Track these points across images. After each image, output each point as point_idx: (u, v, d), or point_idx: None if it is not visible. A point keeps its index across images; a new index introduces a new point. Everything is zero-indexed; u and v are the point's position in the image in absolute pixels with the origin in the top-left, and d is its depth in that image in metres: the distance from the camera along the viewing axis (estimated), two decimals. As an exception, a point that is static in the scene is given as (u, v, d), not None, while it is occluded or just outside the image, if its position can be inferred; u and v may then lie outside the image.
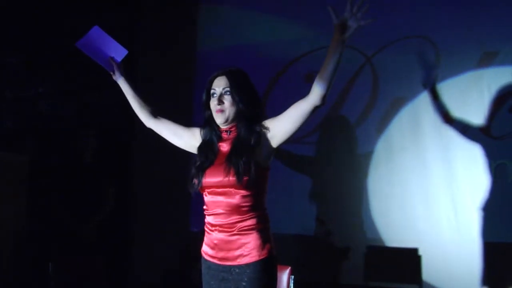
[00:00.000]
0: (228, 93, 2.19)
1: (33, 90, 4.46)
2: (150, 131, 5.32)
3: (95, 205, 4.09)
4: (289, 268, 2.78)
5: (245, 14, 4.83)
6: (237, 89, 2.19)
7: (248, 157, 2.11)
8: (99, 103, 4.78)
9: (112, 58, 2.54)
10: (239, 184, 2.09)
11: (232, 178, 2.09)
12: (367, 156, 4.32)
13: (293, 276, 2.76)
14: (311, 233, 4.39)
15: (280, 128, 2.18)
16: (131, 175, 4.94)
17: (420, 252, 4.02)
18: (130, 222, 4.89)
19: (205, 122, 2.28)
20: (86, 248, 3.96)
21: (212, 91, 2.23)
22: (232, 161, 2.12)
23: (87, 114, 4.67)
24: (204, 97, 2.26)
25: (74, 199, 4.03)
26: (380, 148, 4.30)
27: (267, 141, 2.18)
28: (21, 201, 4.08)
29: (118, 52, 2.55)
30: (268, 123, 2.20)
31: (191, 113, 4.80)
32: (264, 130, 2.19)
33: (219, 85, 2.21)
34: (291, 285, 2.76)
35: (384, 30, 4.30)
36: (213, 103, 2.21)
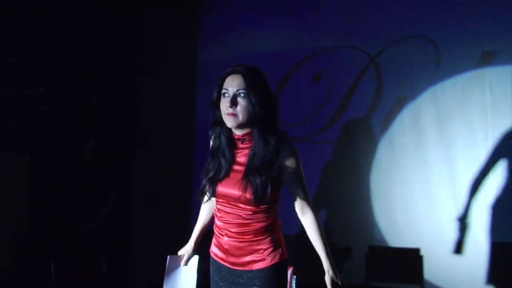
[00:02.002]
0: (243, 95, 2.00)
1: (33, 90, 4.44)
2: (150, 131, 5.33)
3: (95, 205, 4.07)
4: (291, 268, 2.76)
5: (247, 17, 4.82)
6: (254, 91, 2.00)
7: (266, 176, 2.00)
8: (99, 103, 4.77)
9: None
10: (255, 203, 2.02)
11: (248, 196, 2.00)
12: (370, 155, 4.32)
13: (295, 276, 2.75)
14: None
15: (282, 174, 2.07)
16: (131, 175, 4.92)
17: (422, 252, 4.01)
18: (131, 221, 4.87)
19: (214, 123, 2.11)
20: (87, 248, 3.94)
21: (223, 90, 2.03)
22: (249, 178, 2.00)
23: (87, 114, 4.66)
24: (214, 95, 2.08)
25: (74, 199, 4.02)
26: (382, 147, 4.30)
27: (279, 162, 2.05)
28: (22, 201, 4.07)
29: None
30: (287, 158, 2.04)
31: (194, 119, 4.81)
32: (284, 154, 2.04)
33: (233, 85, 2.01)
34: (293, 285, 2.74)
35: (385, 30, 4.32)
36: (224, 105, 2.02)
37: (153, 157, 4.84)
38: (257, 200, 2.00)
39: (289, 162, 2.04)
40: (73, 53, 4.53)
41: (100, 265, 3.31)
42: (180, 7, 4.98)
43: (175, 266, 2.36)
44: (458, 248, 3.96)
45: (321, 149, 4.51)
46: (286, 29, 4.66)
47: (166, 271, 2.34)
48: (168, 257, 2.36)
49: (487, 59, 4.03)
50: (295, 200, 2.11)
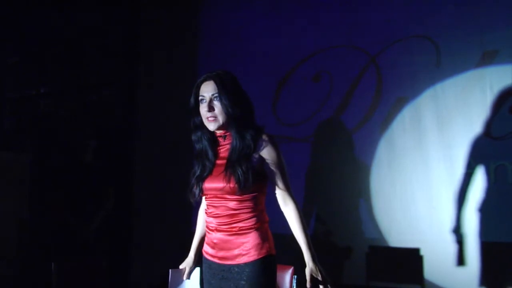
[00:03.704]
0: (217, 98, 2.17)
1: (33, 90, 4.45)
2: (150, 131, 5.32)
3: (95, 205, 4.07)
4: (292, 268, 2.77)
5: (247, 17, 4.82)
6: (226, 93, 2.16)
7: (247, 166, 2.12)
8: (99, 103, 4.78)
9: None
10: (239, 191, 2.12)
11: (232, 186, 2.12)
12: (370, 155, 4.31)
13: (295, 276, 2.75)
14: (313, 233, 4.38)
15: (265, 165, 2.17)
16: (131, 175, 4.93)
17: (422, 252, 4.01)
18: (131, 221, 4.87)
19: (195, 128, 2.26)
20: (87, 247, 3.94)
21: (200, 97, 2.21)
22: (231, 169, 2.13)
23: (87, 114, 4.66)
24: (192, 102, 2.24)
25: (74, 199, 4.02)
26: (383, 147, 4.29)
27: (258, 154, 2.18)
28: (22, 201, 4.07)
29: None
30: (264, 150, 2.16)
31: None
32: (261, 146, 2.16)
33: (207, 90, 2.19)
34: (294, 285, 2.74)
35: (385, 30, 4.31)
36: (203, 110, 2.19)
37: (153, 157, 4.84)
38: (241, 188, 2.11)
39: (267, 153, 2.17)
40: (73, 53, 4.53)
41: (100, 265, 3.31)
42: (180, 7, 4.98)
43: (178, 280, 2.38)
44: (461, 260, 3.95)
45: (321, 149, 4.51)
46: (286, 28, 4.66)
47: (169, 286, 2.35)
48: (170, 271, 2.38)
49: (487, 58, 4.02)
50: (276, 190, 2.21)
